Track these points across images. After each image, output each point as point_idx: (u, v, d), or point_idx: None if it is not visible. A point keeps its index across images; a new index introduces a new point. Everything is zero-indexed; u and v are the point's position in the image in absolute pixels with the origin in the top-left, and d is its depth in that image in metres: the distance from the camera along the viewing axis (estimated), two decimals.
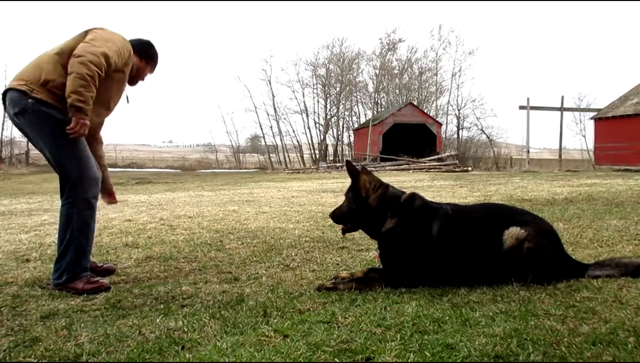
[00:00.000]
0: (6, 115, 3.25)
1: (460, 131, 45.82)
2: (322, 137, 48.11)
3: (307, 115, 49.11)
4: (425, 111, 40.06)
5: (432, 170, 27.16)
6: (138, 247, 4.61)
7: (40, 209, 8.53)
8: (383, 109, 44.46)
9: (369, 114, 43.38)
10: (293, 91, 64.65)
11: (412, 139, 36.85)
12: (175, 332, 2.26)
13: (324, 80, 48.02)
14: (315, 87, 49.08)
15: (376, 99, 46.30)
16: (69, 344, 2.16)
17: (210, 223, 6.10)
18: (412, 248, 2.88)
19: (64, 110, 3.08)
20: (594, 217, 5.55)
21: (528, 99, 31.82)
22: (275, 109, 49.19)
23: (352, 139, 46.31)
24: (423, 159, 31.10)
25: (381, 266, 3.04)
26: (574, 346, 1.88)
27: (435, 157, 31.92)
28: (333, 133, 48.67)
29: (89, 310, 2.69)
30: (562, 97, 32.33)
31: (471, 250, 2.85)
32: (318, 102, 49.18)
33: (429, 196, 3.14)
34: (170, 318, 2.49)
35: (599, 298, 2.46)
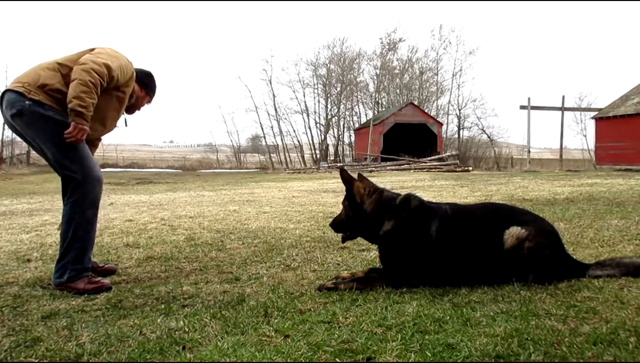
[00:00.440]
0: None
1: (461, 131, 45.84)
2: (322, 137, 48.14)
3: (308, 115, 49.19)
4: (426, 111, 40.06)
5: (433, 170, 27.16)
6: (139, 247, 4.61)
7: (41, 209, 8.54)
8: (384, 109, 44.46)
9: (370, 114, 43.40)
10: (294, 91, 64.81)
11: (413, 138, 36.84)
12: (176, 332, 2.26)
13: (324, 80, 48.08)
14: (315, 87, 49.17)
15: (377, 99, 46.30)
16: (70, 344, 2.16)
17: (211, 224, 6.11)
18: (411, 248, 2.88)
19: (62, 112, 3.10)
20: (595, 217, 5.54)
21: (529, 99, 31.85)
22: (276, 109, 49.29)
23: (352, 138, 46.31)
24: (424, 159, 31.09)
25: (382, 266, 3.04)
26: (575, 346, 1.88)
27: (436, 157, 31.91)
28: (334, 133, 48.76)
29: (90, 310, 2.69)
30: (563, 97, 32.36)
31: (471, 249, 2.84)
32: (319, 102, 49.27)
33: (429, 196, 3.14)
34: (171, 318, 2.49)
35: (600, 298, 2.46)
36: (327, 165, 35.56)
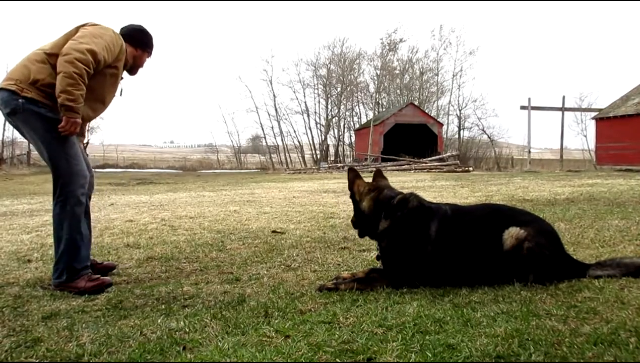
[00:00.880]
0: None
1: (462, 131, 45.84)
2: (323, 137, 48.18)
3: (308, 116, 49.23)
4: (427, 111, 40.07)
5: (434, 170, 27.15)
6: (139, 247, 4.61)
7: (41, 210, 8.55)
8: (384, 109, 44.46)
9: (370, 114, 43.41)
10: (294, 91, 64.99)
11: (413, 139, 36.85)
12: (177, 333, 2.26)
13: (325, 80, 48.11)
14: (316, 87, 49.22)
15: (377, 99, 46.33)
16: (70, 345, 2.16)
17: (212, 224, 6.11)
18: (408, 248, 2.88)
19: (55, 108, 3.10)
20: (596, 217, 5.54)
21: (529, 99, 31.84)
22: (276, 110, 49.34)
23: (353, 139, 46.33)
24: (424, 159, 31.09)
25: (382, 266, 3.04)
26: (576, 346, 1.88)
27: (437, 157, 31.90)
28: (334, 133, 48.81)
29: (90, 311, 2.69)
30: (564, 97, 32.35)
31: (471, 250, 2.84)
32: (319, 102, 49.32)
33: (430, 196, 3.15)
34: (172, 318, 2.49)
35: (601, 299, 2.45)
36: (327, 165, 35.56)
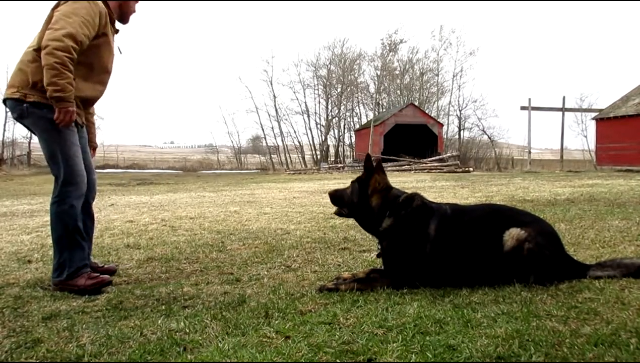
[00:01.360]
0: (9, 116, 3.34)
1: (462, 132, 45.85)
2: (323, 137, 48.18)
3: (309, 116, 49.24)
4: (427, 112, 40.06)
5: (434, 170, 27.15)
6: (139, 248, 4.61)
7: (41, 210, 8.55)
8: (384, 110, 44.45)
9: (370, 115, 43.43)
10: (294, 92, 64.96)
11: (414, 139, 36.84)
12: (177, 333, 2.26)
13: (325, 81, 48.09)
14: (316, 87, 49.22)
15: (377, 100, 46.34)
16: (70, 345, 2.16)
17: (212, 224, 6.11)
18: (409, 247, 2.88)
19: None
20: (596, 218, 5.54)
21: (529, 100, 31.82)
22: (276, 110, 49.33)
23: (353, 139, 46.32)
24: (424, 160, 31.08)
25: (382, 266, 3.05)
26: (576, 347, 1.88)
27: (437, 157, 31.89)
28: (334, 134, 48.81)
29: (90, 312, 2.69)
30: (564, 98, 32.30)
31: (471, 250, 2.84)
32: (319, 102, 49.31)
33: (430, 197, 3.15)
34: (172, 319, 2.49)
35: (601, 299, 2.45)
36: (327, 166, 35.56)
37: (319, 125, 48.96)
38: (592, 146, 34.62)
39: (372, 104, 45.90)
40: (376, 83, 46.32)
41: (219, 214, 7.23)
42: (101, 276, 3.19)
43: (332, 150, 48.47)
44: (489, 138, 43.44)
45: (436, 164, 29.32)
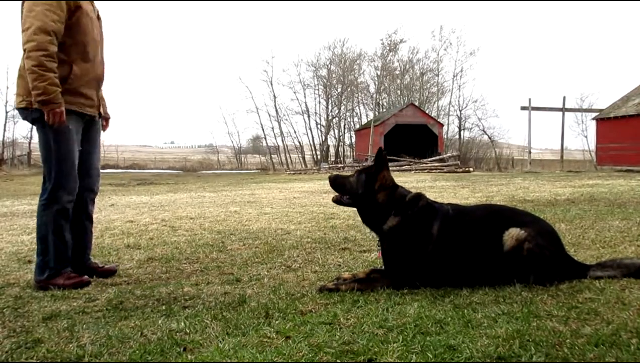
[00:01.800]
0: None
1: (462, 132, 45.82)
2: (323, 138, 48.17)
3: (309, 116, 49.22)
4: (427, 112, 40.04)
5: (434, 170, 27.14)
6: (140, 248, 4.61)
7: None
8: (384, 110, 44.45)
9: (371, 115, 43.42)
10: (294, 92, 64.97)
11: (414, 139, 36.83)
12: (177, 334, 2.26)
13: (325, 81, 48.08)
14: (316, 88, 49.20)
15: (377, 100, 46.33)
16: (71, 345, 2.16)
17: (212, 225, 6.11)
18: (413, 247, 2.88)
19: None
20: (596, 218, 5.54)
21: (530, 100, 31.80)
22: (276, 110, 49.32)
23: (353, 139, 46.32)
24: (425, 160, 31.07)
25: (383, 266, 3.04)
26: (577, 347, 1.88)
27: (437, 157, 31.87)
28: (334, 134, 48.80)
29: (90, 312, 2.69)
30: (564, 98, 32.29)
31: (471, 250, 2.84)
32: (319, 103, 49.31)
33: (431, 197, 3.14)
34: (172, 319, 2.49)
35: (602, 300, 2.45)
36: (327, 166, 35.55)
37: (319, 125, 48.99)
38: (593, 146, 34.61)
39: (372, 104, 45.91)
40: (376, 83, 46.33)
41: (219, 214, 7.23)
42: (80, 277, 3.26)
43: (332, 151, 48.46)
44: (489, 138, 43.43)
45: (436, 164, 29.31)
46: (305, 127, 50.48)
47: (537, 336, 2.00)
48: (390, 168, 3.16)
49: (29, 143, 39.79)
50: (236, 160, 54.44)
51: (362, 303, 2.60)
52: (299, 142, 50.00)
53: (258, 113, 53.91)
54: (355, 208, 3.12)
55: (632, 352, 1.82)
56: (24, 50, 3.04)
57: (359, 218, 3.16)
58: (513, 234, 2.77)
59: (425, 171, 26.92)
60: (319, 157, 46.74)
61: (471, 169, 28.87)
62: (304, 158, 49.62)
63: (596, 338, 1.94)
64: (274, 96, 49.21)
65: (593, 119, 30.34)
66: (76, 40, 3.21)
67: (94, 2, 3.46)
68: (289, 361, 1.89)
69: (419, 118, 35.90)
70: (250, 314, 2.51)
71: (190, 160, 59.04)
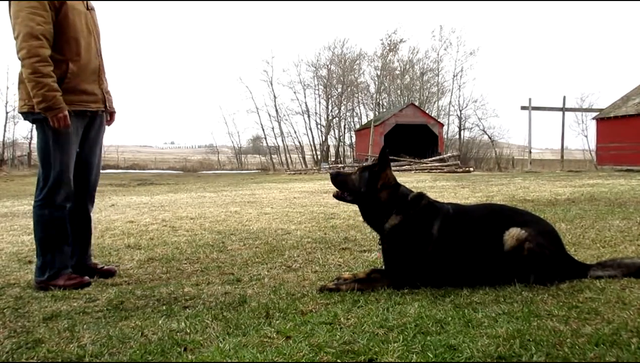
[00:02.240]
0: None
1: (462, 132, 45.83)
2: (323, 138, 48.17)
3: (309, 116, 49.23)
4: (427, 112, 40.03)
5: (434, 170, 27.14)
6: (140, 248, 4.62)
7: None
8: (384, 110, 44.44)
9: (371, 115, 43.40)
10: (294, 92, 65.03)
11: (414, 139, 36.81)
12: (178, 334, 2.26)
13: (325, 81, 48.07)
14: (316, 88, 49.20)
15: (378, 100, 46.31)
16: (71, 345, 2.16)
17: (212, 225, 6.11)
18: (414, 246, 2.88)
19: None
20: (597, 218, 5.54)
21: (530, 99, 31.76)
22: (276, 110, 49.33)
23: (353, 139, 46.31)
24: (425, 160, 31.05)
25: (383, 265, 3.04)
26: (577, 347, 1.88)
27: (437, 157, 31.85)
28: (334, 134, 48.79)
29: (91, 312, 2.69)
30: (564, 97, 32.24)
31: (472, 249, 2.85)
32: (319, 103, 49.30)
33: (431, 197, 3.15)
34: (173, 319, 2.49)
35: (602, 299, 2.45)
36: (328, 166, 35.55)
37: (319, 126, 48.99)
38: (593, 146, 34.57)
39: (373, 104, 45.89)
40: (376, 83, 46.31)
41: (219, 214, 7.23)
42: (80, 277, 3.26)
43: (332, 151, 48.45)
44: (490, 138, 43.42)
45: (437, 164, 29.29)
46: (306, 127, 50.61)
47: (537, 336, 2.00)
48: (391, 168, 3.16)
49: (29, 143, 39.81)
50: (236, 161, 54.45)
51: (362, 303, 2.60)
52: (299, 142, 50.03)
53: (258, 113, 53.95)
54: (355, 206, 3.12)
55: (633, 351, 1.82)
56: (18, 59, 3.06)
57: (360, 218, 3.16)
58: (514, 234, 2.77)
59: (426, 171, 26.92)
60: (319, 157, 46.73)
61: (471, 169, 28.87)
62: (304, 158, 49.62)
63: (597, 338, 1.94)
64: (274, 96, 49.28)
65: (593, 118, 30.32)
66: (67, 37, 3.18)
67: None
68: (290, 361, 1.89)
69: (419, 118, 35.89)
70: (250, 314, 2.51)
71: (191, 161, 59.03)
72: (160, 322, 2.45)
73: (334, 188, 3.18)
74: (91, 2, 3.46)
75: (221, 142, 67.53)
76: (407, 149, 35.57)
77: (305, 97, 53.87)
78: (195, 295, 2.95)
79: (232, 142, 54.21)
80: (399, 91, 47.62)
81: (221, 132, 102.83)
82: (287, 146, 50.37)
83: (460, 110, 45.90)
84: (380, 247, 3.08)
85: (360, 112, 48.49)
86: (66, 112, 3.11)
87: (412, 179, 18.14)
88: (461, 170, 26.87)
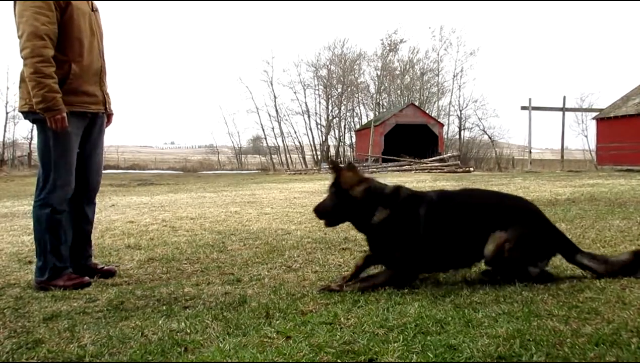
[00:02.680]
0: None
1: (462, 132, 45.80)
2: (323, 138, 48.15)
3: (309, 117, 49.19)
4: (427, 112, 40.03)
5: (434, 170, 27.13)
6: (140, 248, 4.62)
7: None
8: (385, 110, 44.43)
9: (371, 115, 43.39)
10: (295, 92, 64.88)
11: (414, 139, 36.81)
12: (178, 334, 2.27)
13: (325, 81, 48.03)
14: (316, 88, 49.15)
15: (378, 100, 46.29)
16: (71, 346, 2.16)
17: (213, 225, 6.11)
18: (407, 235, 2.90)
19: None
20: (597, 218, 5.54)
21: (530, 99, 31.77)
22: (277, 110, 49.29)
23: (353, 139, 46.29)
24: (425, 160, 31.04)
25: (382, 267, 3.05)
26: (577, 347, 1.88)
27: (437, 157, 31.85)
28: (335, 134, 48.75)
29: (91, 312, 2.69)
30: (564, 97, 32.25)
31: (457, 233, 2.90)
32: (320, 103, 49.26)
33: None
34: (173, 319, 2.49)
35: (602, 299, 2.46)
36: (327, 166, 35.50)
37: (319, 126, 48.96)
38: (593, 146, 34.58)
39: (373, 104, 45.89)
40: (376, 83, 46.29)
41: (219, 214, 7.23)
42: (81, 277, 3.26)
43: (332, 151, 48.44)
44: (490, 138, 43.42)
45: (437, 164, 29.29)
46: (306, 127, 50.51)
47: (537, 335, 2.01)
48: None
49: (29, 144, 39.82)
50: (236, 161, 54.43)
51: (362, 303, 2.60)
52: (299, 142, 50.00)
53: (258, 113, 53.82)
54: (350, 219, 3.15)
55: (633, 351, 1.82)
56: (21, 58, 3.05)
57: None
58: (496, 238, 2.80)
59: (426, 171, 26.91)
60: (319, 157, 46.70)
61: (471, 169, 28.87)
62: (304, 158, 49.60)
63: (597, 338, 1.94)
64: (274, 96, 49.21)
65: (593, 118, 30.31)
66: (71, 38, 3.18)
67: None
68: (290, 361, 1.89)
69: (419, 118, 35.88)
70: (250, 314, 2.51)
71: (191, 161, 59.01)
72: (160, 322, 2.45)
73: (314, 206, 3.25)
74: (95, 3, 3.47)
75: (221, 142, 67.61)
76: (407, 149, 35.57)
77: (305, 97, 53.77)
78: (195, 295, 2.95)
79: (232, 142, 54.28)
80: (399, 91, 47.61)
81: (221, 132, 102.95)
82: (287, 146, 50.38)
83: (461, 110, 45.92)
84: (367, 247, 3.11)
85: (360, 112, 48.54)
86: (64, 114, 3.11)
87: (412, 178, 18.14)
88: (461, 170, 26.87)
